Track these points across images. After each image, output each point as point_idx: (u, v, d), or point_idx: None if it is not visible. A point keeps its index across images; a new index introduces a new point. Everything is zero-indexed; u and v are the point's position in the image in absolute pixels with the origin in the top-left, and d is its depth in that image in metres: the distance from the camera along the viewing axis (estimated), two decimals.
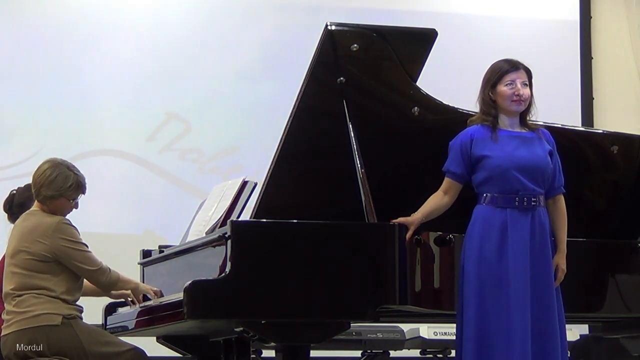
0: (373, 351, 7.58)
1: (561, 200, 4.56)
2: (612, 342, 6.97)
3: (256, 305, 4.32)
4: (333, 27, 4.72)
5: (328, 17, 4.92)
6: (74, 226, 4.73)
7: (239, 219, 4.73)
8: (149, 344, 5.09)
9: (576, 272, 4.62)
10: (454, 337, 4.58)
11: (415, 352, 7.73)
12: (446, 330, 7.35)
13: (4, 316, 4.76)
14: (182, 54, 8.25)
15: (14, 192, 5.35)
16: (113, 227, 7.91)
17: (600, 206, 5.40)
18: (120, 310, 5.22)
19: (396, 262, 4.44)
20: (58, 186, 4.72)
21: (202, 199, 5.38)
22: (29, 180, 4.95)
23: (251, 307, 4.32)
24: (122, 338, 4.86)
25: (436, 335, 7.49)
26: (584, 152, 5.29)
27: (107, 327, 5.20)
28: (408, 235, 4.45)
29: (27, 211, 4.85)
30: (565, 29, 8.97)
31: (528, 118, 4.54)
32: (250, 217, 4.59)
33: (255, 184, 4.89)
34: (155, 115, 8.18)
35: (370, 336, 7.40)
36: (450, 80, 7.42)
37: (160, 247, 5.35)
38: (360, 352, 7.60)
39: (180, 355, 5.61)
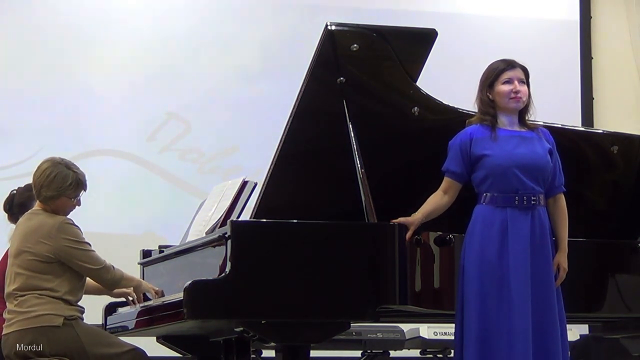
0: (373, 351, 7.57)
1: (562, 199, 4.56)
2: (612, 342, 6.97)
3: (256, 305, 4.32)
4: (333, 27, 4.72)
5: (328, 17, 4.92)
6: (77, 226, 4.72)
7: (239, 219, 4.73)
8: (149, 344, 5.09)
9: (576, 272, 4.62)
10: (453, 337, 4.57)
11: (415, 352, 7.73)
12: (446, 330, 7.35)
13: (5, 315, 4.76)
14: (182, 54, 8.25)
15: (14, 192, 5.35)
16: (113, 227, 7.91)
17: (600, 206, 5.40)
18: (121, 310, 5.23)
19: (396, 262, 4.44)
20: (58, 186, 4.72)
21: (202, 199, 5.38)
22: (29, 180, 4.95)
23: (251, 307, 4.32)
24: (122, 338, 4.86)
25: (436, 335, 7.49)
26: (584, 152, 5.29)
27: (107, 327, 5.21)
28: (408, 235, 4.45)
29: (30, 210, 4.84)
30: (565, 29, 8.97)
31: (527, 117, 4.54)
32: (250, 217, 4.59)
33: (255, 184, 4.89)
34: (155, 115, 8.18)
35: (370, 336, 7.40)
36: (450, 80, 7.41)
37: (160, 247, 5.35)
38: (360, 352, 7.60)
39: (180, 355, 5.61)
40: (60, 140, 7.89)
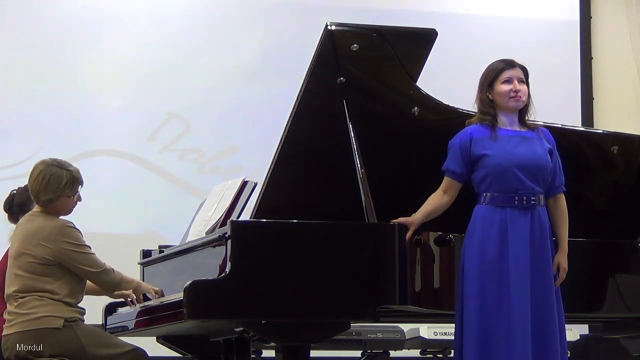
0: (373, 351, 7.57)
1: (562, 199, 4.56)
2: (612, 342, 6.97)
3: (256, 305, 4.32)
4: (333, 27, 4.72)
5: (328, 17, 4.92)
6: (77, 229, 4.71)
7: (239, 219, 4.73)
8: (149, 344, 5.09)
9: (576, 272, 4.62)
10: (453, 337, 4.57)
11: (415, 352, 7.73)
12: (446, 330, 7.35)
13: (5, 316, 4.75)
14: (182, 54, 8.25)
15: (14, 192, 5.34)
16: (113, 227, 7.91)
17: (600, 206, 5.40)
18: (120, 310, 5.23)
19: (396, 262, 4.44)
20: (54, 187, 4.70)
21: (202, 199, 5.38)
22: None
23: (251, 307, 4.32)
24: (123, 338, 4.86)
25: (436, 335, 7.49)
26: (584, 152, 5.29)
27: (107, 327, 5.21)
28: (408, 235, 4.45)
29: (31, 212, 4.83)
30: (565, 29, 8.97)
31: (527, 117, 4.54)
32: (250, 217, 4.59)
33: (255, 184, 4.89)
34: (155, 115, 8.18)
35: (370, 336, 7.40)
36: (450, 80, 7.42)
37: (160, 247, 5.35)
38: (360, 352, 7.60)
39: (180, 355, 5.61)
40: (60, 140, 7.90)
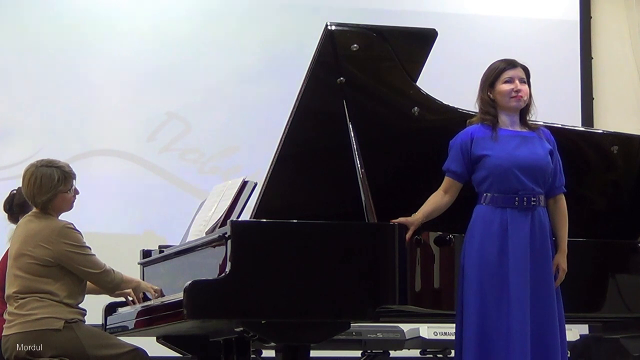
0: (373, 351, 7.58)
1: (562, 200, 4.56)
2: (612, 342, 6.97)
3: (256, 305, 4.31)
4: (333, 27, 4.72)
5: (328, 17, 4.92)
6: (77, 230, 4.70)
7: (239, 219, 4.73)
8: (149, 344, 5.09)
9: (576, 272, 4.62)
10: (454, 337, 4.57)
11: (415, 352, 7.74)
12: (446, 330, 7.36)
13: (5, 316, 4.75)
14: (182, 54, 8.25)
15: (14, 192, 5.34)
16: (113, 227, 7.91)
17: (600, 206, 5.39)
18: (120, 310, 5.22)
19: (396, 262, 4.44)
20: (48, 187, 4.69)
21: (202, 199, 5.38)
22: None
23: (251, 307, 4.32)
24: (122, 338, 4.85)
25: (436, 335, 7.50)
26: (584, 152, 5.29)
27: (107, 327, 5.20)
28: (408, 235, 4.45)
29: (31, 212, 4.81)
30: (565, 29, 8.97)
31: (528, 117, 4.54)
32: (250, 217, 4.59)
33: (255, 184, 4.89)
34: (155, 115, 8.18)
35: (370, 336, 7.41)
36: (450, 80, 7.42)
37: (160, 247, 5.34)
38: (360, 352, 7.60)
39: (180, 355, 5.61)
40: (60, 140, 7.90)
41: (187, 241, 5.03)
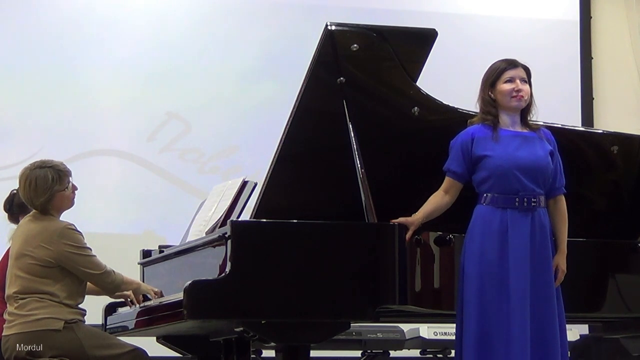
0: (373, 351, 7.58)
1: (562, 201, 4.56)
2: (612, 342, 6.97)
3: (256, 305, 4.31)
4: (333, 27, 4.72)
5: (328, 17, 4.92)
6: (78, 231, 4.70)
7: (239, 219, 4.73)
8: (149, 344, 5.09)
9: (576, 272, 4.62)
10: (454, 337, 4.57)
11: (415, 352, 7.74)
12: (446, 330, 7.36)
13: (5, 316, 4.75)
14: (183, 54, 8.26)
15: (15, 191, 5.34)
16: (113, 227, 7.91)
17: (600, 206, 5.39)
18: (120, 310, 5.22)
19: (396, 262, 4.44)
20: (43, 188, 4.68)
21: (202, 199, 5.38)
22: None
23: (251, 307, 4.32)
24: (122, 338, 4.86)
25: (436, 335, 7.50)
26: (584, 152, 5.29)
27: (107, 327, 5.20)
28: (408, 235, 4.45)
29: (32, 212, 4.81)
30: (565, 29, 8.97)
31: (529, 117, 4.54)
32: (250, 217, 4.59)
33: (255, 184, 4.89)
34: (155, 115, 8.18)
35: (370, 336, 7.41)
36: (450, 80, 7.42)
37: (160, 247, 5.34)
38: (360, 352, 7.60)
39: (180, 355, 5.61)
40: (60, 140, 7.90)
41: (187, 241, 5.03)
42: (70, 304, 4.65)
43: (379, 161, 4.77)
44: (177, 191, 8.12)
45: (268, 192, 4.66)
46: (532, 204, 4.43)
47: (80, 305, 4.74)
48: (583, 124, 8.58)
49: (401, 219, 4.47)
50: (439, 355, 7.71)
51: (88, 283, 4.81)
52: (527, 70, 4.53)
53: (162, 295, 4.87)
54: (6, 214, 5.39)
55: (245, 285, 4.30)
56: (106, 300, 5.24)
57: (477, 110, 4.59)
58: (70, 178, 4.76)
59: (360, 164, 4.62)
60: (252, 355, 5.32)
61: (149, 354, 4.75)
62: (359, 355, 7.63)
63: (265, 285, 4.32)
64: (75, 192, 4.80)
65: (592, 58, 9.04)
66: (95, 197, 7.59)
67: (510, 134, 4.48)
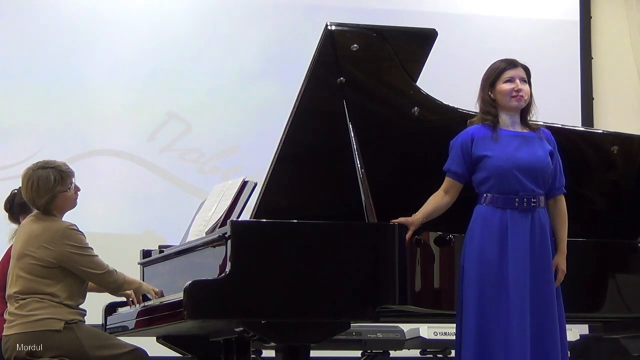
0: (373, 351, 7.58)
1: (562, 201, 4.56)
2: (612, 342, 6.97)
3: (256, 305, 4.31)
4: (333, 27, 4.72)
5: (328, 17, 4.92)
6: (80, 231, 4.70)
7: (239, 219, 4.73)
8: (149, 344, 5.09)
9: (576, 272, 4.62)
10: (454, 337, 4.58)
11: (415, 352, 7.74)
12: (446, 330, 7.36)
13: (5, 316, 4.75)
14: (183, 54, 8.26)
15: (15, 191, 5.34)
16: (113, 227, 7.91)
17: (600, 206, 5.40)
18: (120, 310, 5.23)
19: (396, 262, 4.44)
20: (46, 189, 4.68)
21: (202, 199, 5.38)
22: None
23: (251, 307, 4.32)
24: (122, 338, 4.86)
25: (436, 335, 7.50)
26: (584, 152, 5.29)
27: (107, 327, 5.20)
28: (408, 235, 4.45)
29: (35, 212, 4.81)
30: (565, 29, 8.97)
31: (529, 117, 4.54)
32: (250, 217, 4.59)
33: (255, 184, 4.89)
34: (155, 115, 8.18)
35: (370, 336, 7.40)
36: (450, 80, 7.42)
37: (160, 247, 5.34)
38: (360, 352, 7.60)
39: (180, 355, 5.61)
40: (60, 140, 7.90)
41: (187, 241, 5.03)
42: (70, 304, 4.65)
43: (379, 161, 4.77)
44: (177, 191, 8.12)
45: (268, 192, 4.66)
46: (532, 204, 4.43)
47: (80, 306, 4.74)
48: (583, 124, 8.58)
49: (401, 219, 4.47)
50: (439, 355, 7.71)
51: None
52: (526, 70, 4.53)
53: (162, 295, 4.88)
54: (7, 214, 5.38)
55: (245, 285, 4.30)
56: (106, 300, 5.24)
57: (477, 110, 4.59)
58: (73, 179, 4.77)
59: (360, 164, 4.62)
60: (252, 355, 5.31)
61: (149, 354, 4.75)
62: (359, 355, 7.63)
63: (265, 285, 4.32)
64: (78, 193, 4.80)
65: (592, 58, 9.04)
66: (95, 197, 7.58)
67: (510, 134, 4.48)
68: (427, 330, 7.48)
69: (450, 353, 7.46)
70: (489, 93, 4.51)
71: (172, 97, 8.20)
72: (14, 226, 5.34)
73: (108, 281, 4.73)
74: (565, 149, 4.69)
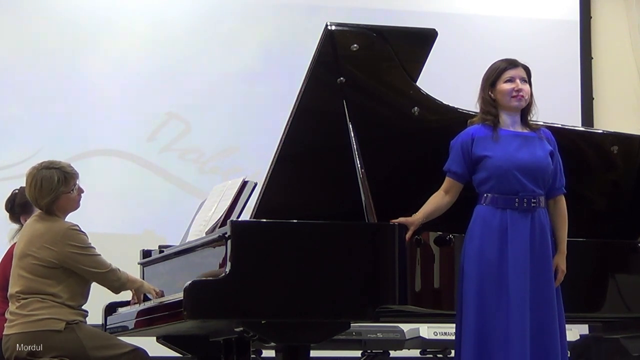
0: (373, 351, 7.58)
1: (562, 201, 4.56)
2: (612, 342, 6.97)
3: (256, 305, 4.31)
4: (333, 27, 4.72)
5: (328, 17, 4.92)
6: (82, 231, 4.69)
7: (239, 219, 4.73)
8: (149, 344, 5.09)
9: (576, 272, 4.62)
10: (454, 337, 4.57)
11: (415, 352, 7.73)
12: (446, 330, 7.35)
13: (7, 315, 4.75)
14: (182, 54, 8.25)
15: (16, 191, 5.34)
16: (113, 227, 7.91)
17: (600, 206, 5.39)
18: (120, 310, 5.22)
19: (396, 262, 4.44)
20: (49, 189, 4.68)
21: (202, 199, 5.38)
22: None
23: (251, 307, 4.32)
24: (122, 338, 4.85)
25: (436, 335, 7.50)
26: (584, 152, 5.29)
27: (107, 327, 5.20)
28: (408, 235, 4.45)
29: (38, 213, 4.80)
30: (565, 29, 8.97)
31: (529, 117, 4.54)
32: (250, 217, 4.59)
33: (255, 184, 4.89)
34: (155, 115, 8.18)
35: (370, 336, 7.40)
36: (450, 80, 7.42)
37: (160, 247, 5.34)
38: (360, 352, 7.60)
39: (180, 355, 5.61)
40: (60, 140, 7.90)
41: (187, 241, 5.03)
42: (72, 305, 4.65)
43: (379, 161, 4.77)
44: (177, 191, 8.12)
45: (268, 192, 4.66)
46: (532, 204, 4.43)
47: (83, 307, 4.74)
48: (583, 124, 8.58)
49: (401, 219, 4.47)
50: (439, 355, 7.71)
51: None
52: (527, 70, 4.53)
53: (163, 295, 4.87)
54: (7, 214, 5.38)
55: (245, 285, 4.30)
56: (106, 300, 5.24)
57: (477, 110, 4.59)
58: (77, 181, 4.77)
59: (360, 164, 4.61)
60: (252, 355, 5.31)
61: (149, 354, 4.75)
62: (359, 355, 7.63)
63: (265, 285, 4.32)
64: (81, 195, 4.81)
65: (592, 58, 9.04)
66: (95, 197, 7.53)
67: (510, 134, 4.48)
68: (427, 330, 7.48)
69: (450, 353, 7.46)
70: (490, 93, 4.51)
71: (172, 97, 8.20)
72: (15, 226, 5.34)
73: (111, 280, 4.73)
74: (565, 149, 4.69)
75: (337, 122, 4.70)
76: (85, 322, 4.71)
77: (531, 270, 4.37)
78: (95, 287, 4.88)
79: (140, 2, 8.31)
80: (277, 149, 4.72)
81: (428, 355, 7.75)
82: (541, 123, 4.63)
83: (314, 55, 4.71)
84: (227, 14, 8.41)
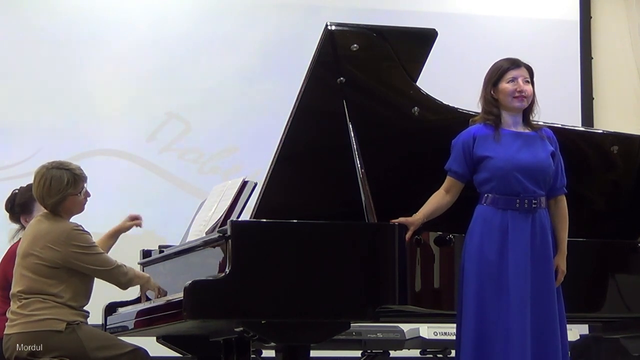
0: (373, 351, 7.57)
1: (563, 201, 4.55)
2: (612, 342, 6.97)
3: (256, 305, 4.32)
4: (333, 27, 4.72)
5: (328, 17, 4.92)
6: (86, 231, 4.69)
7: (239, 219, 4.73)
8: (149, 344, 5.09)
9: (576, 272, 4.62)
10: (454, 337, 4.58)
11: (415, 352, 7.73)
12: (446, 330, 7.35)
13: (8, 314, 4.75)
14: (183, 54, 8.26)
15: (16, 191, 5.34)
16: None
17: (600, 206, 5.40)
18: (120, 310, 5.23)
19: (396, 262, 4.44)
20: (57, 190, 4.69)
21: (202, 199, 5.38)
22: (29, 180, 4.94)
23: (251, 307, 4.32)
24: (122, 338, 4.85)
25: (436, 335, 7.50)
26: (584, 152, 5.29)
27: (107, 327, 5.20)
28: (408, 235, 4.44)
29: (42, 212, 4.80)
30: (565, 29, 8.97)
31: (531, 117, 4.53)
32: (250, 217, 4.59)
33: (255, 184, 4.89)
34: (155, 115, 8.18)
35: (370, 336, 7.40)
36: (450, 80, 7.42)
37: (160, 247, 5.34)
38: (360, 352, 7.60)
39: (180, 355, 5.61)
40: (60, 140, 7.90)
41: (187, 241, 5.03)
42: (74, 305, 4.64)
43: (379, 161, 4.77)
44: (177, 191, 8.12)
45: (268, 192, 4.66)
46: (533, 205, 4.42)
47: (84, 308, 4.73)
48: (583, 124, 8.58)
49: (401, 219, 4.47)
50: (439, 355, 7.71)
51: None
52: (529, 70, 4.52)
53: (165, 294, 4.87)
54: (8, 214, 5.38)
55: (245, 285, 4.30)
56: (106, 300, 5.24)
57: (478, 110, 4.58)
58: (85, 184, 4.77)
59: (360, 164, 4.62)
60: (252, 355, 5.31)
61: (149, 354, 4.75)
62: (359, 355, 7.63)
63: (266, 285, 4.32)
64: (87, 198, 4.81)
65: (592, 58, 9.04)
66: (95, 197, 7.54)
67: (512, 134, 4.48)
68: (427, 330, 7.48)
69: (450, 353, 7.46)
70: (492, 93, 4.50)
71: (172, 97, 8.20)
72: (15, 226, 5.34)
73: (118, 276, 4.72)
74: (565, 149, 4.68)
75: (337, 122, 4.70)
76: (86, 323, 4.70)
77: (532, 271, 4.37)
78: (95, 287, 4.88)
79: (140, 2, 8.31)
80: (277, 149, 4.72)
81: (428, 355, 7.75)
82: (541, 123, 4.63)
83: (314, 55, 4.72)
84: (227, 14, 8.41)
